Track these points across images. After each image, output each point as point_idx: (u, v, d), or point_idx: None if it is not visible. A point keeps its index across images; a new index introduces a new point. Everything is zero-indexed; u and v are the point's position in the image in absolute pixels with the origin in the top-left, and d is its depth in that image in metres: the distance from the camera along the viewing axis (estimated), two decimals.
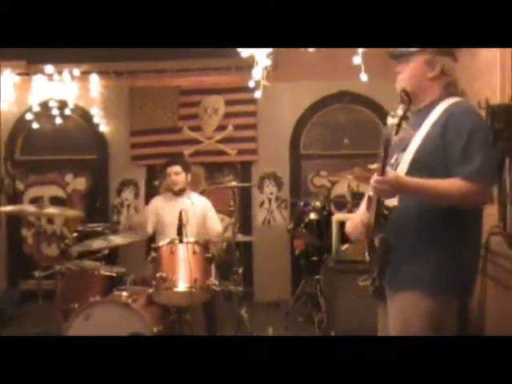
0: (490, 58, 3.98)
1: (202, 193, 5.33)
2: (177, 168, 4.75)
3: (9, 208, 4.96)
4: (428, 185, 2.18)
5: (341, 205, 6.33)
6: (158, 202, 4.89)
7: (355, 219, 2.55)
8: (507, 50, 3.69)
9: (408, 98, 2.14)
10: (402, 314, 2.30)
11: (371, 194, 2.36)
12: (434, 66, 2.33)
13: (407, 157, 2.29)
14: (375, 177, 2.17)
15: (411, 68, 2.38)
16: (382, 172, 2.14)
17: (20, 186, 6.69)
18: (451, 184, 2.17)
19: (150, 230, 4.80)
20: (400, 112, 2.10)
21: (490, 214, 3.68)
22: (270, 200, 6.61)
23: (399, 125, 2.10)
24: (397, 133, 2.11)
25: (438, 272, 2.24)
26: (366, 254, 2.43)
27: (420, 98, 2.38)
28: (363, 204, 2.63)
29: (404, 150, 2.32)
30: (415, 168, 2.25)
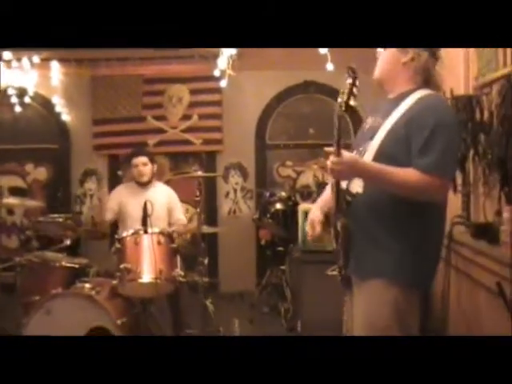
0: (454, 49, 4.00)
1: (167, 183, 5.26)
2: (144, 159, 4.67)
3: None
4: (385, 171, 2.18)
5: (306, 195, 6.35)
6: (121, 191, 4.80)
7: (312, 217, 2.55)
8: None
9: (353, 74, 2.13)
10: (366, 302, 2.31)
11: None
12: (407, 51, 2.34)
13: (373, 146, 2.29)
14: (331, 158, 2.17)
15: (386, 54, 2.40)
16: (338, 152, 2.14)
17: None
18: (407, 174, 2.16)
19: (108, 216, 4.70)
20: (347, 89, 2.11)
21: (454, 204, 3.71)
22: (235, 190, 6.58)
23: (347, 102, 2.11)
24: (346, 110, 2.12)
25: (401, 261, 2.25)
26: (334, 243, 2.43)
27: (393, 87, 2.39)
28: (325, 193, 2.63)
29: (371, 138, 2.32)
30: (380, 158, 2.25)
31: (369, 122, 2.46)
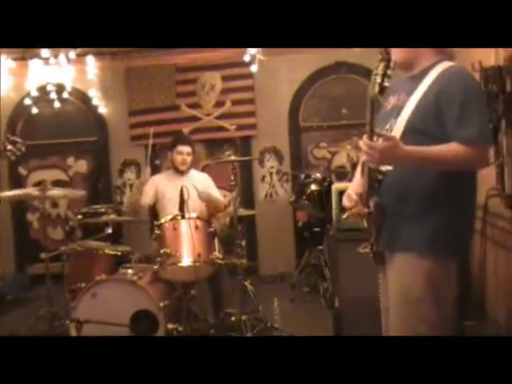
0: None
1: (204, 169, 5.35)
2: (189, 149, 4.75)
3: (12, 193, 4.98)
4: (427, 152, 2.16)
5: (341, 175, 6.36)
6: (158, 178, 4.90)
7: (350, 191, 2.55)
8: None
9: (387, 56, 2.12)
10: (400, 276, 2.32)
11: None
12: None
13: (400, 123, 2.28)
14: (365, 140, 2.14)
15: None
16: (371, 135, 2.12)
17: (22, 171, 6.75)
18: (450, 149, 2.15)
19: (146, 201, 4.76)
20: (380, 71, 2.09)
21: (488, 176, 3.70)
22: (271, 174, 6.65)
23: (381, 83, 2.09)
24: (380, 92, 2.10)
25: (434, 233, 2.25)
26: (365, 222, 2.45)
27: (414, 65, 2.39)
28: (357, 172, 2.65)
29: (397, 116, 2.31)
30: (409, 134, 2.24)
31: (391, 101, 2.44)
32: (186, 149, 4.75)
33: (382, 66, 2.10)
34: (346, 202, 2.54)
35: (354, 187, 2.57)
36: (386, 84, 2.09)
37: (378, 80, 2.09)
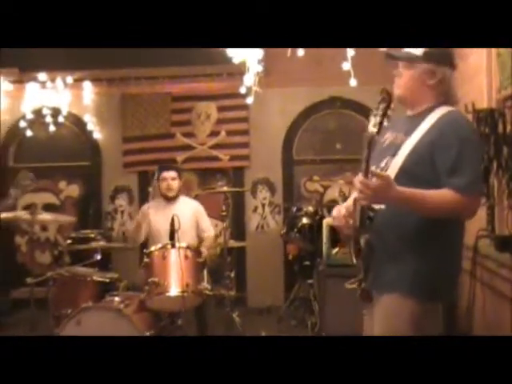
0: (476, 62, 4.02)
1: (196, 198, 5.34)
2: (173, 173, 4.75)
3: (2, 215, 4.95)
4: (419, 196, 2.16)
5: (333, 209, 6.35)
6: (149, 208, 4.87)
7: (340, 207, 2.50)
8: (493, 54, 3.73)
9: (389, 97, 2.14)
10: (385, 316, 2.32)
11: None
12: (435, 74, 2.32)
13: (396, 163, 2.29)
14: (360, 177, 2.14)
15: (411, 74, 2.36)
16: (366, 172, 2.12)
17: (13, 192, 6.72)
18: (443, 195, 2.16)
19: (142, 237, 4.78)
20: (381, 111, 2.12)
21: (479, 217, 3.71)
22: (263, 205, 6.64)
23: (381, 123, 2.11)
24: (379, 132, 2.12)
25: (418, 275, 2.25)
26: (353, 257, 2.44)
27: (415, 104, 2.39)
28: (350, 200, 2.63)
29: (394, 155, 2.32)
30: (403, 174, 2.25)
31: (388, 137, 2.44)
32: (169, 174, 4.75)
33: (382, 106, 2.12)
34: (334, 213, 2.49)
35: (346, 204, 2.54)
36: (385, 124, 2.12)
37: (378, 120, 2.11)
